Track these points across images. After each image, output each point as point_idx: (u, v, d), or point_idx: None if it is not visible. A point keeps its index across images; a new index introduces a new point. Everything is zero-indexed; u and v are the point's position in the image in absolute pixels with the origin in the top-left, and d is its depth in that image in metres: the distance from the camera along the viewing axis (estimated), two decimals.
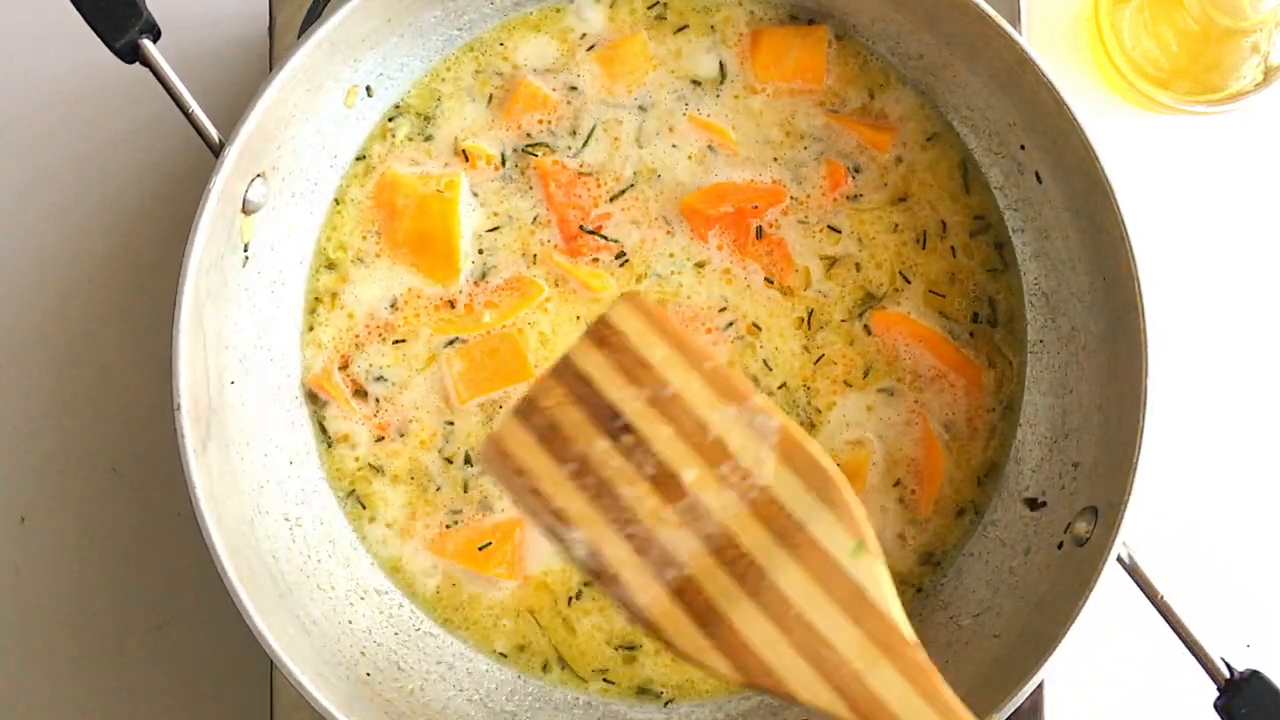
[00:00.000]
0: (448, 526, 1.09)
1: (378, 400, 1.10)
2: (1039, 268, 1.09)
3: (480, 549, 1.08)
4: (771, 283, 1.10)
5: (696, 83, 1.11)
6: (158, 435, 1.22)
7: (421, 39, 1.08)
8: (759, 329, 1.09)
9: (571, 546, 0.76)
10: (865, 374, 1.09)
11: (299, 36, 1.06)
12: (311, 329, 1.10)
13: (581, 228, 1.10)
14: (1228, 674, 0.92)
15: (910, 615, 1.09)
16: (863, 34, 1.10)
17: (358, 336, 1.10)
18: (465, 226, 1.10)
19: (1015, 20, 1.10)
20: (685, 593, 0.76)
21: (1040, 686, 1.04)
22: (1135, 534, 0.94)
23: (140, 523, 1.23)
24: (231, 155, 0.94)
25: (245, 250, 1.03)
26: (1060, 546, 1.01)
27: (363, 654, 1.04)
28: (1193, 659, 0.93)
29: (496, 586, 1.09)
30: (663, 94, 1.11)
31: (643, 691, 1.09)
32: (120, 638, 1.23)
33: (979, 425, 1.10)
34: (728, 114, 1.11)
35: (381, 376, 1.10)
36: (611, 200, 1.10)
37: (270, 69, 1.08)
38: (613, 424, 0.77)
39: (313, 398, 1.10)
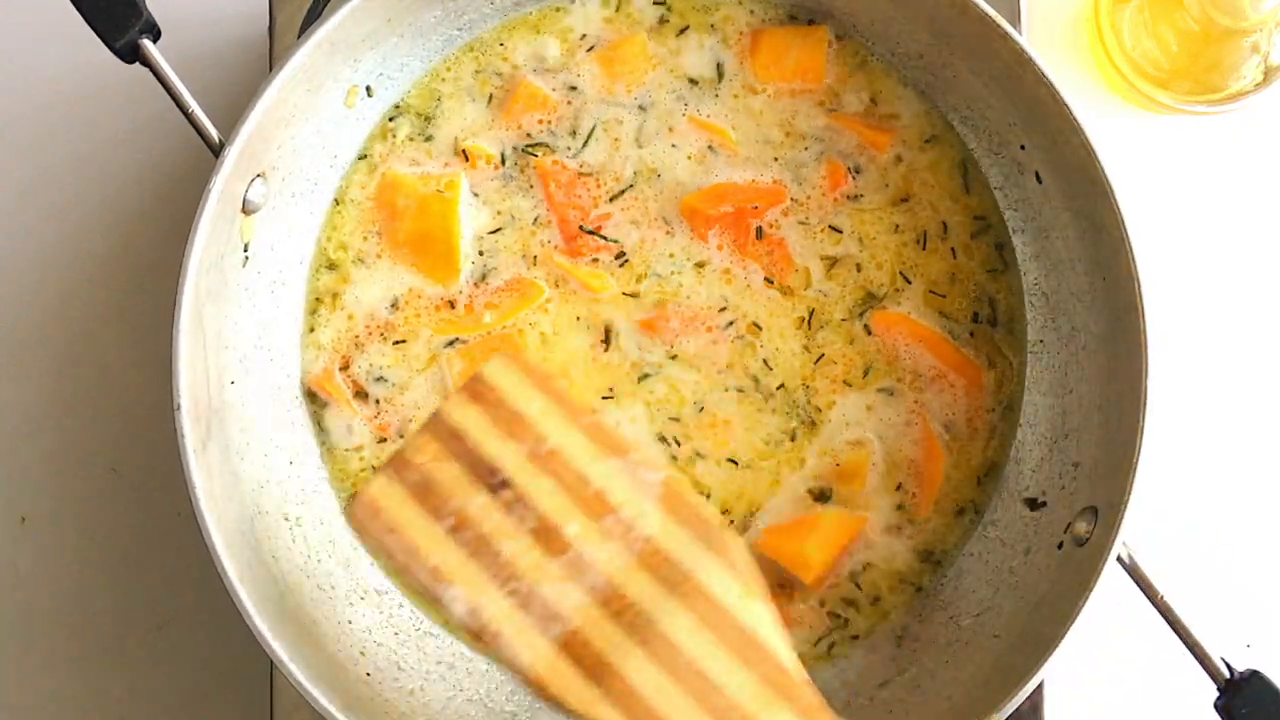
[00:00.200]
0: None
1: (378, 401, 1.10)
2: (1039, 268, 1.09)
3: None
4: (771, 283, 1.10)
5: (696, 83, 1.11)
6: (158, 435, 1.22)
7: (421, 39, 1.08)
8: (759, 328, 1.09)
9: (449, 605, 0.75)
10: (865, 373, 1.09)
11: (299, 36, 1.06)
12: (312, 329, 1.10)
13: (581, 228, 1.10)
14: (1228, 674, 0.92)
15: (910, 615, 1.10)
16: (863, 34, 1.10)
17: (358, 337, 1.10)
18: (465, 227, 1.10)
19: (1015, 20, 1.10)
20: (572, 646, 0.74)
21: (1040, 686, 1.04)
22: (1135, 534, 0.94)
23: (140, 523, 1.23)
24: (231, 155, 0.94)
25: (245, 250, 1.03)
26: (1060, 546, 1.01)
27: (363, 654, 1.04)
28: (1193, 659, 0.93)
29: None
30: (662, 94, 1.11)
31: None
32: (120, 638, 1.22)
33: (979, 425, 1.10)
34: (728, 114, 1.11)
35: (382, 377, 1.10)
36: (611, 200, 1.10)
37: (270, 69, 1.08)
38: (491, 479, 0.76)
39: (313, 398, 1.10)
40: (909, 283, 1.10)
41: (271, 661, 0.93)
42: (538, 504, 0.76)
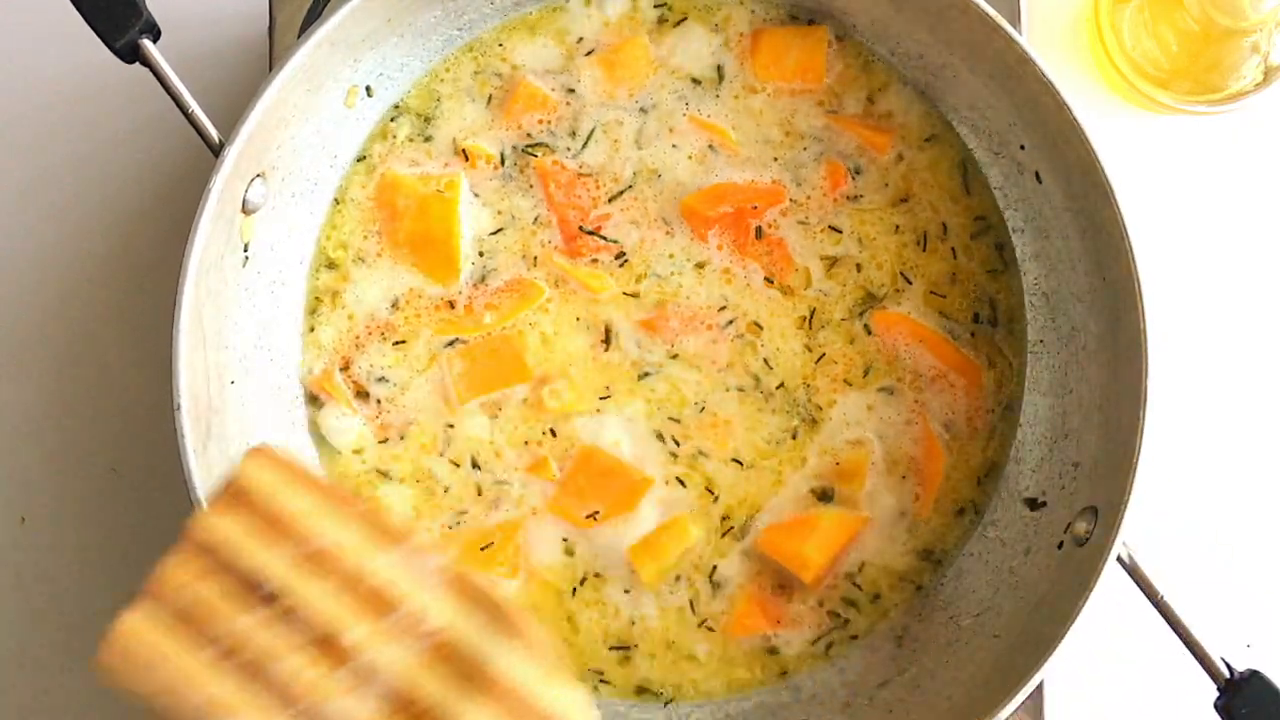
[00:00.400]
0: (450, 527, 1.09)
1: (379, 401, 1.10)
2: (1039, 268, 1.09)
3: (482, 549, 1.08)
4: (771, 282, 1.10)
5: (696, 82, 1.11)
6: (158, 435, 1.22)
7: (421, 39, 1.08)
8: (760, 328, 1.09)
9: None
10: (865, 373, 1.09)
11: (299, 36, 1.06)
12: (312, 329, 1.10)
13: (581, 228, 1.10)
14: (1228, 674, 0.92)
15: (910, 615, 1.10)
16: (863, 34, 1.10)
17: (358, 337, 1.10)
18: (465, 227, 1.10)
19: (1015, 20, 1.10)
20: None
21: (1040, 686, 1.04)
22: (1135, 534, 0.94)
23: (140, 523, 1.23)
24: (231, 155, 0.94)
25: (245, 250, 1.03)
26: (1060, 546, 1.01)
27: None
28: (1193, 659, 0.93)
29: (499, 586, 1.09)
30: (663, 94, 1.11)
31: (642, 691, 1.09)
32: None
33: (979, 425, 1.10)
34: (728, 114, 1.11)
35: (383, 377, 1.10)
36: (611, 201, 1.10)
37: (270, 69, 1.08)
38: (258, 592, 0.70)
39: (313, 398, 1.10)
40: (909, 283, 1.10)
41: None
42: (312, 612, 0.70)
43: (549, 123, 1.11)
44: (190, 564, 0.72)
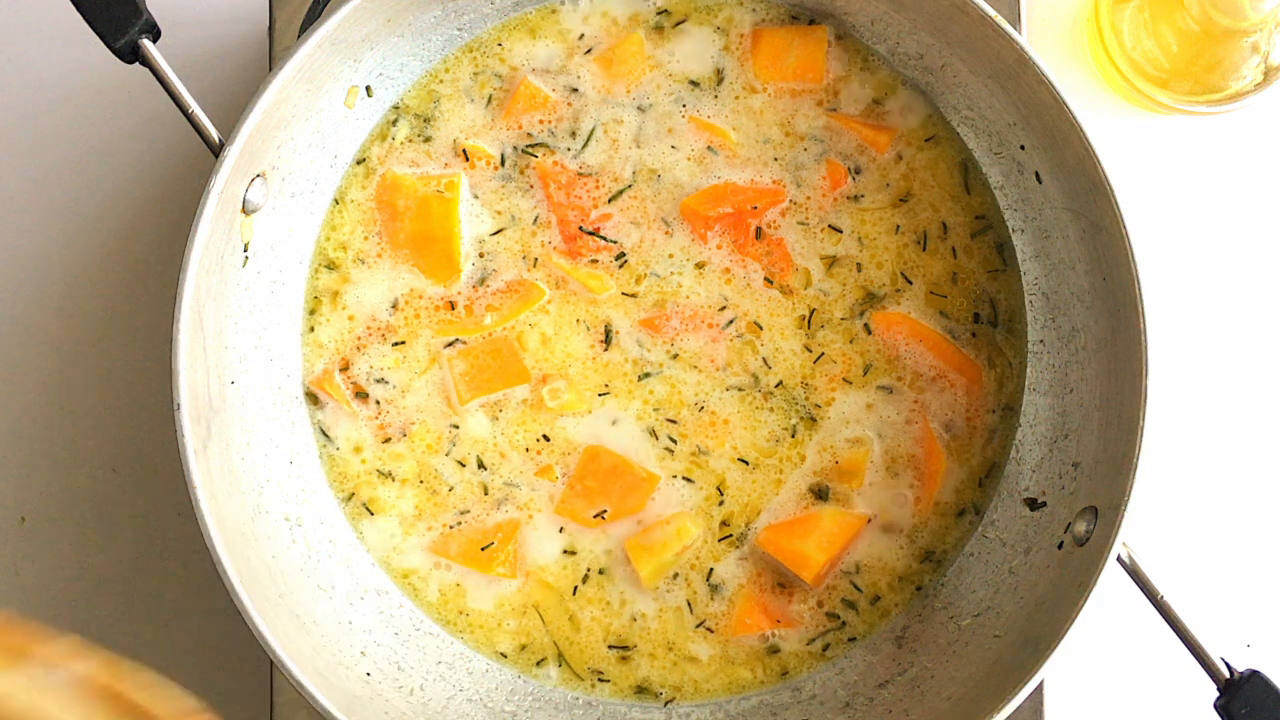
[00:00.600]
0: (450, 527, 1.09)
1: (378, 402, 1.10)
2: (1039, 268, 1.09)
3: (482, 549, 1.08)
4: (771, 282, 1.10)
5: (696, 83, 1.11)
6: (158, 435, 1.22)
7: (421, 39, 1.08)
8: (760, 327, 1.09)
9: None
10: (865, 372, 1.09)
11: (299, 36, 1.06)
12: (312, 329, 1.10)
13: (581, 229, 1.10)
14: (1228, 674, 0.92)
15: (910, 615, 1.10)
16: (863, 34, 1.10)
17: (358, 338, 1.10)
18: (466, 227, 1.10)
19: (1015, 20, 1.10)
20: None
21: (1040, 686, 1.04)
22: (1135, 534, 0.94)
23: (140, 523, 1.23)
24: (231, 155, 0.94)
25: (245, 250, 1.03)
26: (1060, 546, 1.01)
27: (363, 654, 1.04)
28: (1193, 659, 0.93)
29: (499, 586, 1.09)
30: (662, 95, 1.11)
31: (641, 690, 1.09)
32: (120, 638, 1.22)
33: (979, 425, 1.10)
34: (728, 114, 1.11)
35: (382, 378, 1.10)
36: (611, 201, 1.10)
37: (270, 69, 1.08)
38: None
39: (313, 399, 1.10)
40: (909, 283, 1.10)
41: (271, 661, 0.93)
42: None
43: (549, 123, 1.11)
44: None
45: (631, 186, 1.10)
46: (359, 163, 1.11)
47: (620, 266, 1.10)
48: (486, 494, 1.09)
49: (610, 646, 1.09)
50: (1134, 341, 0.95)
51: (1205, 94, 1.15)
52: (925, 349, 1.10)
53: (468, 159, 1.10)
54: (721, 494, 1.09)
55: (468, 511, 1.09)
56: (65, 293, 1.24)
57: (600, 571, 1.09)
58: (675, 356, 1.09)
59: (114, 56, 0.95)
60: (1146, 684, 1.21)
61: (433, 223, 1.09)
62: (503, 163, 1.11)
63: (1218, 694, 0.93)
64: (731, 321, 1.10)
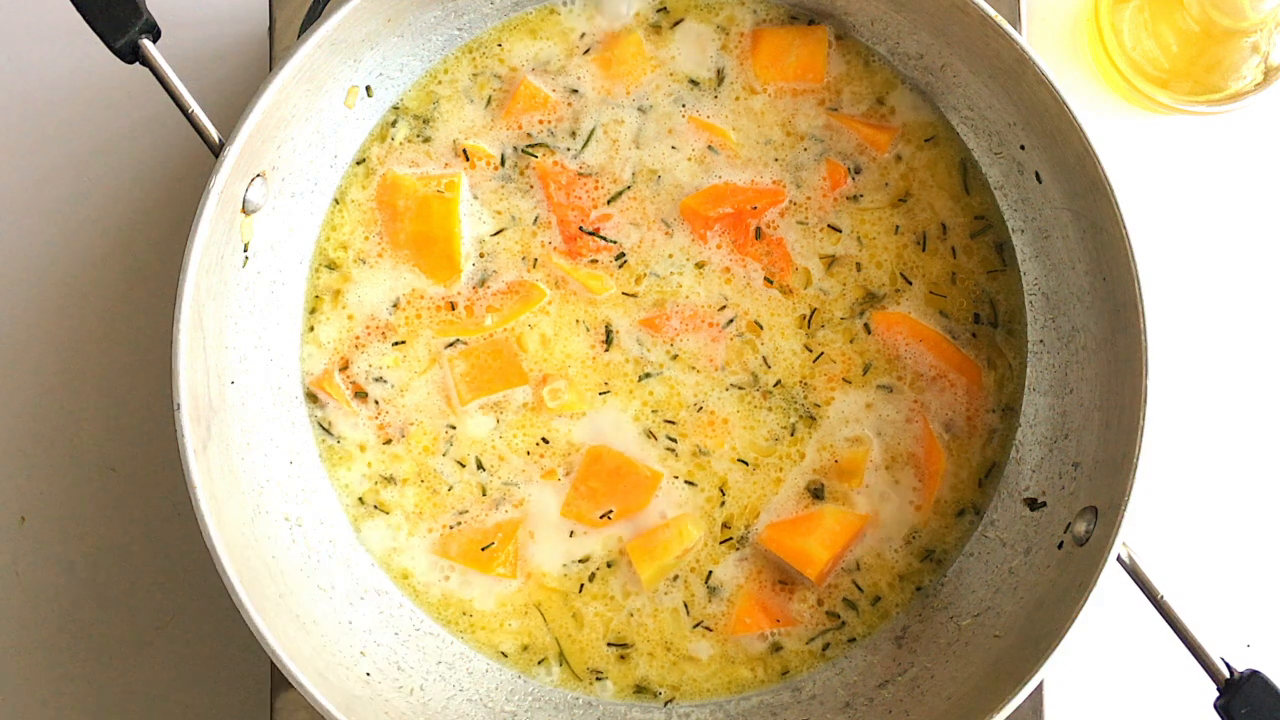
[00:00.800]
0: (450, 528, 1.09)
1: (378, 402, 1.10)
2: (1039, 268, 1.09)
3: (483, 550, 1.08)
4: (771, 282, 1.10)
5: (696, 83, 1.11)
6: (158, 435, 1.22)
7: (421, 39, 1.08)
8: (760, 327, 1.09)
9: None
10: (865, 372, 1.10)
11: (299, 36, 1.06)
12: (312, 329, 1.10)
13: (581, 229, 1.10)
14: (1228, 674, 0.92)
15: (910, 615, 1.10)
16: (863, 34, 1.10)
17: (358, 338, 1.10)
18: (466, 227, 1.10)
19: (1015, 20, 1.10)
20: None
21: (1040, 686, 1.04)
22: (1135, 534, 0.94)
23: (140, 523, 1.23)
24: (231, 155, 0.94)
25: (245, 250, 1.03)
26: (1060, 546, 1.01)
27: (363, 654, 1.04)
28: (1193, 659, 0.93)
29: (500, 586, 1.09)
30: (662, 95, 1.11)
31: (641, 690, 1.09)
32: (120, 638, 1.22)
33: (979, 425, 1.10)
34: (728, 114, 1.11)
35: (382, 378, 1.10)
36: (610, 201, 1.10)
37: (270, 69, 1.08)
38: None
39: (313, 398, 1.10)
40: (909, 283, 1.10)
41: (271, 661, 0.93)
42: None
43: (549, 123, 1.11)
44: None
45: (631, 187, 1.10)
46: (359, 163, 1.11)
47: (620, 267, 1.10)
48: (485, 494, 1.09)
49: (610, 644, 1.09)
50: (1134, 341, 0.95)
51: (1205, 94, 1.15)
52: (925, 349, 1.10)
53: (468, 159, 1.10)
54: (723, 494, 1.09)
55: (466, 511, 1.09)
56: (65, 293, 1.24)
57: (609, 565, 1.09)
58: (675, 356, 1.09)
59: (114, 56, 0.95)
60: (1146, 684, 1.21)
61: (433, 223, 1.09)
62: (503, 163, 1.11)
63: (1218, 694, 0.93)
64: (731, 321, 1.10)
